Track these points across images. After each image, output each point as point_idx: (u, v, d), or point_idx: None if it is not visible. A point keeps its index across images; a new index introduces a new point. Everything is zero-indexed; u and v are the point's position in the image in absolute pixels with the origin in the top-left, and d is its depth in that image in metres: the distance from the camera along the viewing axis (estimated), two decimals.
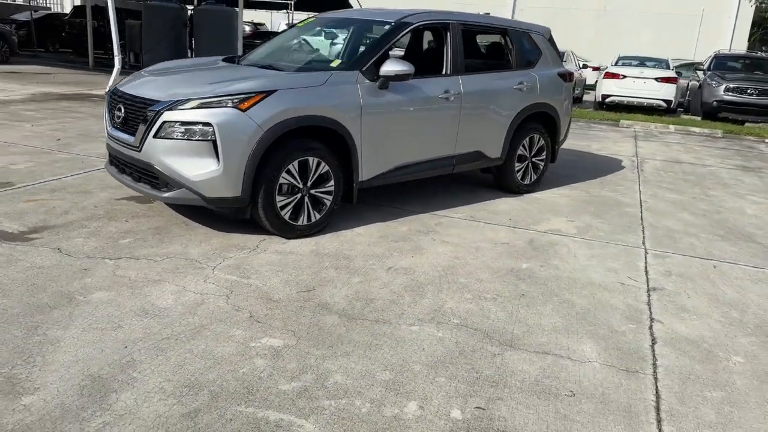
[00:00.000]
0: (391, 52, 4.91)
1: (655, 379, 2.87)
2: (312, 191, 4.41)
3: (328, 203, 4.52)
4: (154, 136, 4.02)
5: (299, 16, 22.49)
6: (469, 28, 5.57)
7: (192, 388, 2.54)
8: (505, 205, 5.73)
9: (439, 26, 5.33)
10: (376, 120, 4.63)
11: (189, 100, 4.00)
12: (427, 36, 6.17)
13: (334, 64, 4.74)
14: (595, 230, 5.14)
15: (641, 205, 6.08)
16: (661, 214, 5.78)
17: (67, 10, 26.85)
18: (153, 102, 4.09)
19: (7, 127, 7.68)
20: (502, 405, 2.59)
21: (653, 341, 3.25)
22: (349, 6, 20.34)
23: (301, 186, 4.32)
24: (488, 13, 6.73)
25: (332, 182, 4.49)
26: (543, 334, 3.24)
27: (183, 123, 3.96)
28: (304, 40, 5.46)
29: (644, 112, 14.29)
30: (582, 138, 10.35)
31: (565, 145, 9.23)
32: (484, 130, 5.54)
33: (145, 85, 4.38)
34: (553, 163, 6.57)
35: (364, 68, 4.63)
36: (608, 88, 14.61)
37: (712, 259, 4.63)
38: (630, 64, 15.12)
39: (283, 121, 4.10)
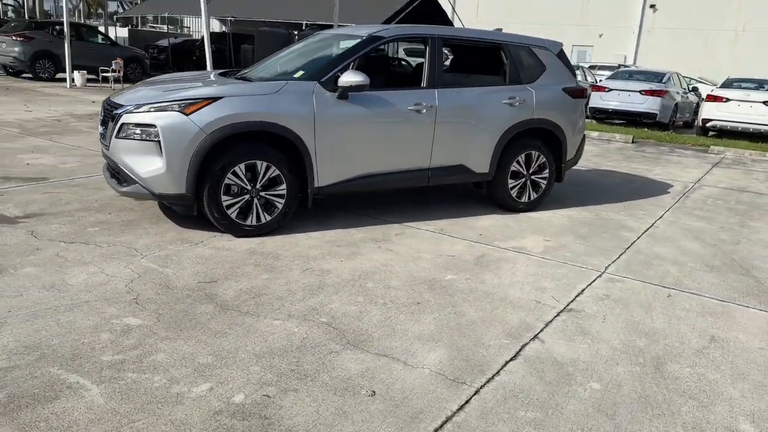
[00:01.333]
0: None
1: (477, 392, 2.74)
2: (263, 194, 4.65)
3: (280, 206, 4.74)
4: (116, 137, 4.51)
5: None
6: (454, 43, 5.55)
7: (29, 349, 2.87)
8: (489, 221, 5.59)
9: (416, 40, 5.38)
10: (333, 129, 4.79)
11: (143, 104, 4.44)
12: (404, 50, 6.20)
13: (297, 75, 4.97)
14: (565, 251, 4.87)
15: (647, 231, 5.62)
16: (661, 241, 5.32)
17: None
18: (119, 106, 4.58)
19: (88, 134, 8.79)
20: (292, 396, 2.63)
21: (513, 358, 3.08)
22: (448, 22, 20.62)
23: (249, 188, 4.59)
24: (500, 29, 6.60)
25: (284, 186, 4.71)
26: (400, 339, 3.20)
27: (136, 125, 4.40)
28: (297, 54, 5.74)
29: (751, 139, 12.95)
30: (649, 162, 9.67)
31: (620, 168, 8.76)
32: (467, 144, 5.47)
33: (126, 94, 4.91)
34: (559, 182, 6.27)
35: (324, 79, 4.82)
36: (709, 111, 13.45)
37: (673, 288, 4.21)
38: (739, 87, 13.80)
39: (227, 125, 4.40)
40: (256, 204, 4.65)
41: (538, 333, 3.39)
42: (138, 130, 4.40)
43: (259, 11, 20.73)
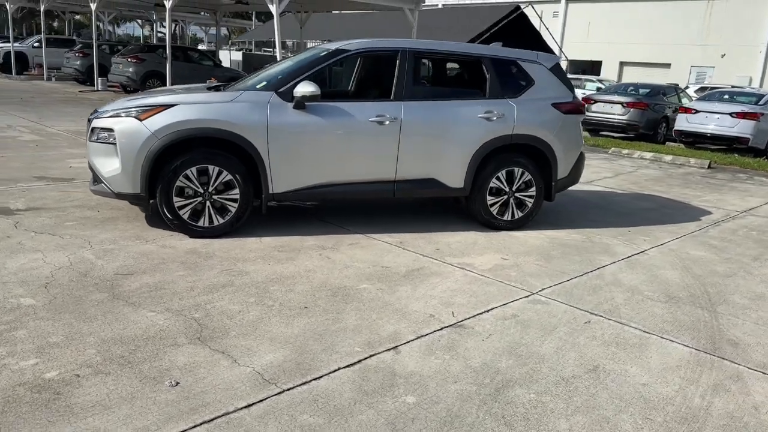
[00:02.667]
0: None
1: (279, 393, 2.72)
2: (216, 197, 4.88)
3: (233, 210, 4.94)
4: (89, 140, 4.96)
5: None
6: (429, 57, 5.49)
7: None
8: (460, 237, 5.43)
9: (385, 54, 5.40)
10: (287, 137, 4.93)
11: (108, 111, 4.86)
12: (374, 63, 6.17)
13: (258, 86, 5.17)
14: (513, 270, 4.62)
15: (631, 257, 5.17)
16: (636, 268, 4.87)
17: None
18: (96, 112, 5.04)
19: None
20: (101, 378, 2.76)
21: (349, 365, 3.00)
22: (542, 41, 20.09)
23: (201, 191, 4.84)
24: (500, 44, 6.38)
25: (237, 191, 4.91)
26: (253, 339, 3.23)
27: (101, 129, 4.83)
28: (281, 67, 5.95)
29: None
30: (707, 188, 8.82)
31: (667, 193, 8.14)
32: (438, 158, 5.37)
33: (110, 104, 5.37)
34: (550, 201, 5.94)
35: (281, 89, 4.98)
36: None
37: (600, 316, 3.86)
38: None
39: (179, 130, 4.69)
40: (208, 207, 4.88)
41: (401, 345, 3.27)
42: (103, 134, 4.82)
43: (345, 35, 21.51)
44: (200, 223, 4.89)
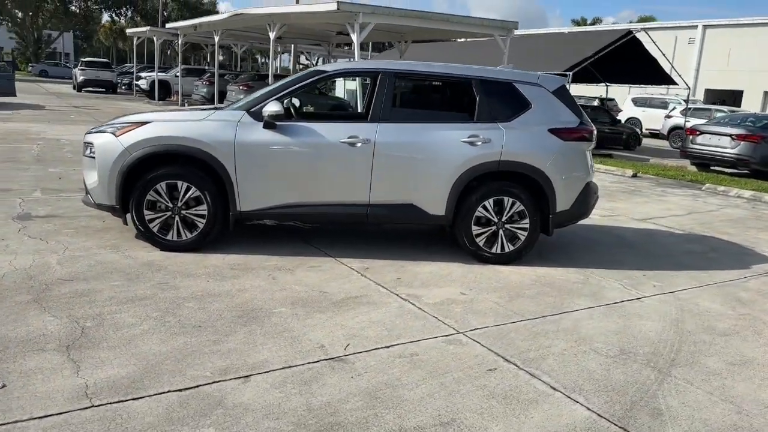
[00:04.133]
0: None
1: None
2: (185, 212, 5.01)
3: (201, 226, 5.03)
4: (83, 153, 5.31)
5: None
6: (411, 78, 5.26)
7: None
8: (434, 267, 5.10)
9: (364, 74, 5.25)
10: (255, 156, 4.96)
11: (96, 127, 5.17)
12: (352, 83, 5.95)
13: (236, 105, 5.23)
14: (461, 306, 4.24)
15: (616, 303, 4.54)
16: (616, 317, 4.26)
17: None
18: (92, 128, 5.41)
19: None
20: None
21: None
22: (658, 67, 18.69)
23: (171, 205, 4.98)
24: (510, 66, 5.95)
25: (204, 207, 5.00)
26: (108, 349, 3.22)
27: (87, 143, 5.15)
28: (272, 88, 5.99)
29: None
30: None
31: (729, 236, 7.09)
32: (416, 182, 5.11)
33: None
34: (548, 236, 5.40)
35: (253, 109, 5.03)
36: None
37: (513, 364, 3.39)
38: None
39: (149, 146, 4.88)
40: (177, 221, 5.01)
41: (258, 374, 3.09)
42: (88, 148, 5.14)
43: (435, 64, 21.40)
44: (169, 237, 5.02)
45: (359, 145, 5.02)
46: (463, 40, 23.50)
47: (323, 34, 21.22)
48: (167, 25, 26.44)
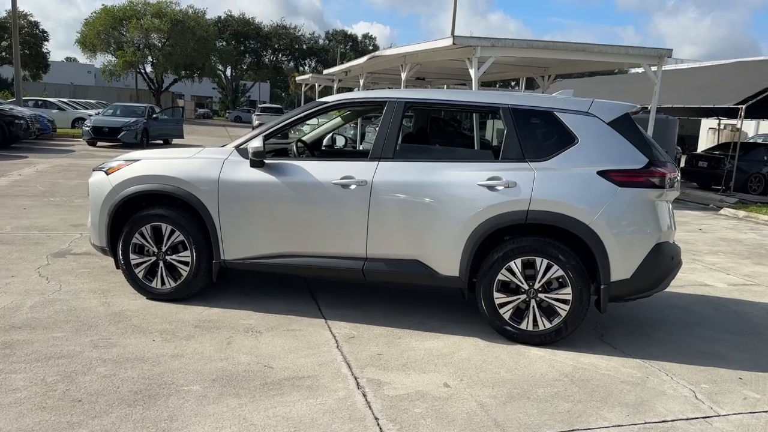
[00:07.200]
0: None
1: None
2: (169, 258, 4.55)
3: (185, 273, 4.53)
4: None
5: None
6: (424, 107, 4.32)
7: None
8: (440, 342, 4.04)
9: (369, 105, 4.41)
10: (239, 198, 4.37)
11: (102, 164, 4.95)
12: (361, 117, 4.95)
13: (235, 142, 4.66)
14: (424, 404, 3.17)
15: (675, 423, 3.12)
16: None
17: None
18: None
19: None
20: None
21: None
22: None
23: (155, 250, 4.56)
24: (571, 91, 4.66)
25: (188, 253, 4.50)
26: None
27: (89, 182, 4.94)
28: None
29: None
30: None
31: None
32: (421, 234, 4.14)
33: None
34: (601, 312, 4.03)
35: (241, 145, 4.47)
36: None
37: None
38: None
39: (134, 185, 4.51)
40: (161, 267, 4.56)
41: None
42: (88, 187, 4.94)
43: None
44: (153, 284, 4.59)
45: (353, 187, 4.19)
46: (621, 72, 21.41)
47: (462, 72, 20.62)
48: (324, 72, 27.71)
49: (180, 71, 50.07)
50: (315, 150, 5.46)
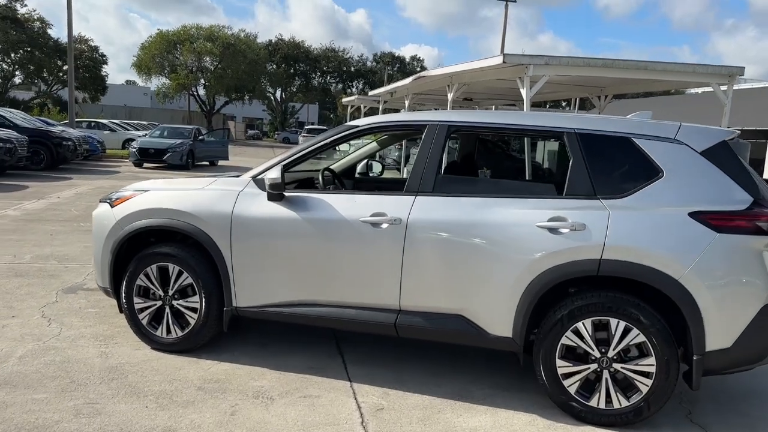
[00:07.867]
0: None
1: None
2: (176, 303, 3.98)
3: (192, 322, 3.94)
4: None
5: None
6: (472, 132, 3.63)
7: None
8: (483, 420, 3.30)
9: (406, 129, 3.74)
10: (254, 235, 3.76)
11: (110, 194, 4.43)
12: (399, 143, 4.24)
13: (253, 171, 4.06)
14: None
15: None
16: None
17: None
18: None
19: None
20: None
21: None
22: None
23: (161, 293, 3.99)
24: (650, 113, 3.89)
25: (197, 298, 3.91)
26: None
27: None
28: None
29: None
30: None
31: None
32: (466, 283, 3.42)
33: None
34: (693, 389, 3.21)
35: (258, 175, 3.87)
36: None
37: None
38: None
39: (139, 220, 3.97)
40: (167, 313, 3.99)
41: None
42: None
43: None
44: (158, 332, 4.01)
45: (385, 225, 3.52)
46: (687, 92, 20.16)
47: (511, 92, 19.81)
48: (369, 93, 27.34)
49: (231, 93, 50.90)
50: (346, 179, 4.83)
